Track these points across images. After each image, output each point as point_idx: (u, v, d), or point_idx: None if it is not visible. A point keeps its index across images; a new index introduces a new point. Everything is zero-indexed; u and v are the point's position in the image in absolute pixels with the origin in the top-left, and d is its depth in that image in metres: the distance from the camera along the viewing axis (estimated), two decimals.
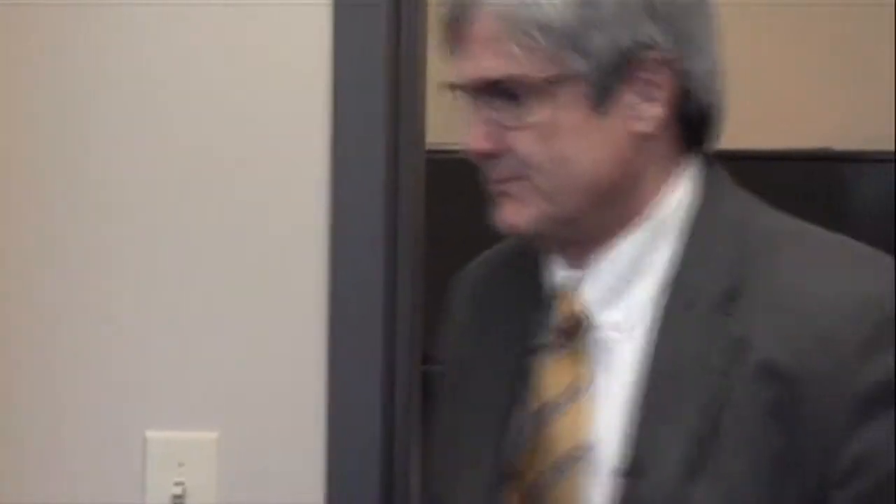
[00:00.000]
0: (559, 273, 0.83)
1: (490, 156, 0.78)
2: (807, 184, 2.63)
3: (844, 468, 0.71)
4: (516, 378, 0.84)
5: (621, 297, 0.80)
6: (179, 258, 1.28)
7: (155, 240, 1.28)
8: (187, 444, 1.28)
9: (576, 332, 0.80)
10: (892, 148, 2.67)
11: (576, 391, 0.79)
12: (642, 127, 0.77)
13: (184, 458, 1.27)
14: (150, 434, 1.28)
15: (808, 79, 3.14)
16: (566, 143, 0.76)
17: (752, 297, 0.75)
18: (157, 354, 1.28)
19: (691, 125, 0.80)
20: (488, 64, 0.76)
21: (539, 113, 0.75)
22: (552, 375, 0.81)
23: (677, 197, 0.80)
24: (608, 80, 0.75)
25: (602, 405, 0.79)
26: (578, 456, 0.78)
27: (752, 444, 0.72)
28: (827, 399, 0.71)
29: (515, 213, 0.79)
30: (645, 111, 0.77)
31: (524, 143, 0.77)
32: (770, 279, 0.75)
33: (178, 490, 1.27)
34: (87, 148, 1.28)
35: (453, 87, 0.79)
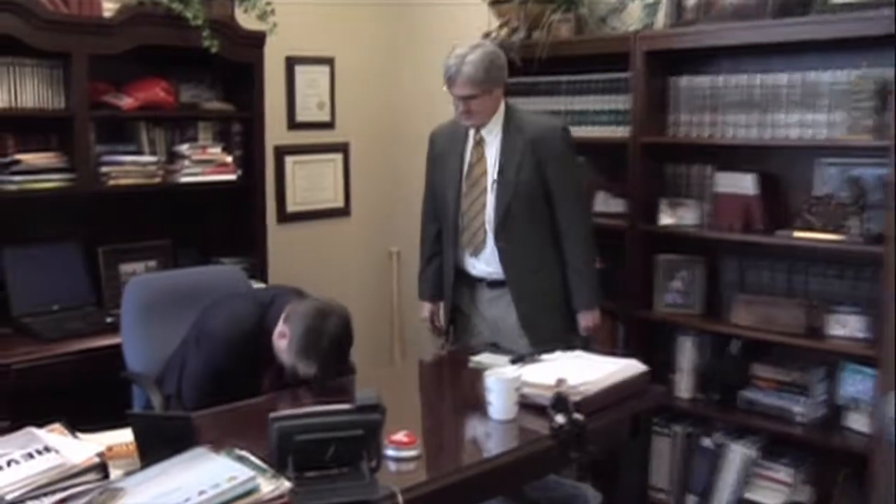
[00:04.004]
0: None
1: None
2: None
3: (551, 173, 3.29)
4: (462, 155, 3.35)
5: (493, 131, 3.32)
6: None
7: None
8: None
9: (482, 141, 3.32)
10: None
11: (480, 156, 3.32)
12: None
13: None
14: None
15: None
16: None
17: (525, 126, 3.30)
18: None
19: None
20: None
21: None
22: (475, 154, 3.32)
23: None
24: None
25: (489, 162, 3.30)
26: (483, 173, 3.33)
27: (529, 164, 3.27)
28: (543, 148, 3.28)
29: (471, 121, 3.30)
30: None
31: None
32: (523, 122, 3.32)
33: None
34: None
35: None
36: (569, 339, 3.26)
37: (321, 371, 2.60)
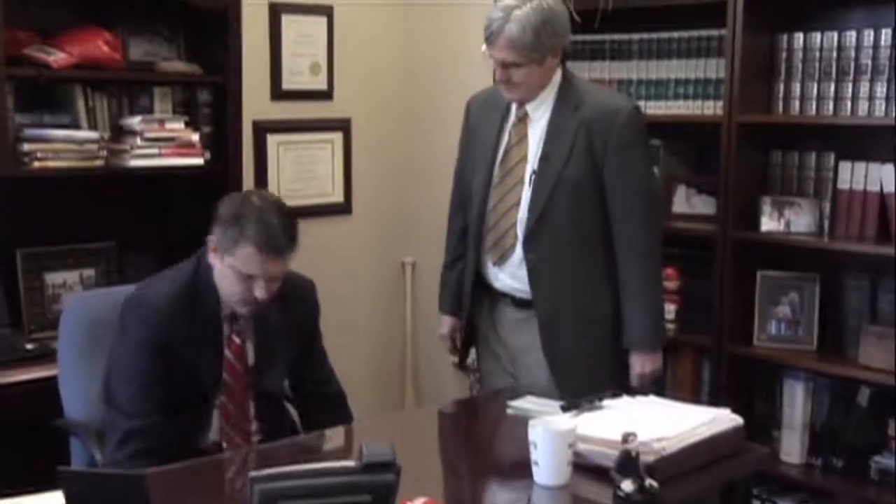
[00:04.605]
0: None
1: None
2: None
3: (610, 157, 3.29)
4: (499, 132, 3.38)
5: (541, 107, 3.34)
6: None
7: None
8: None
9: (526, 117, 3.33)
10: None
11: (521, 137, 3.32)
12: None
13: None
14: None
15: None
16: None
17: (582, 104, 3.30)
18: None
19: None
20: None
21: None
22: (515, 134, 3.35)
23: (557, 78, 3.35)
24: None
25: (531, 145, 3.31)
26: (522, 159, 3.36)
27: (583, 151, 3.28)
28: (600, 135, 3.26)
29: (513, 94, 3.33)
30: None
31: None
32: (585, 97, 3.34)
33: None
34: None
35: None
36: (613, 388, 3.04)
37: (263, 239, 2.67)
